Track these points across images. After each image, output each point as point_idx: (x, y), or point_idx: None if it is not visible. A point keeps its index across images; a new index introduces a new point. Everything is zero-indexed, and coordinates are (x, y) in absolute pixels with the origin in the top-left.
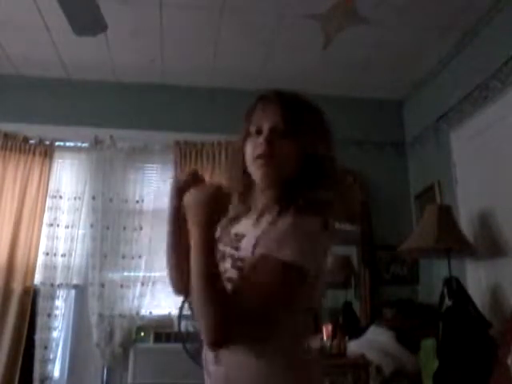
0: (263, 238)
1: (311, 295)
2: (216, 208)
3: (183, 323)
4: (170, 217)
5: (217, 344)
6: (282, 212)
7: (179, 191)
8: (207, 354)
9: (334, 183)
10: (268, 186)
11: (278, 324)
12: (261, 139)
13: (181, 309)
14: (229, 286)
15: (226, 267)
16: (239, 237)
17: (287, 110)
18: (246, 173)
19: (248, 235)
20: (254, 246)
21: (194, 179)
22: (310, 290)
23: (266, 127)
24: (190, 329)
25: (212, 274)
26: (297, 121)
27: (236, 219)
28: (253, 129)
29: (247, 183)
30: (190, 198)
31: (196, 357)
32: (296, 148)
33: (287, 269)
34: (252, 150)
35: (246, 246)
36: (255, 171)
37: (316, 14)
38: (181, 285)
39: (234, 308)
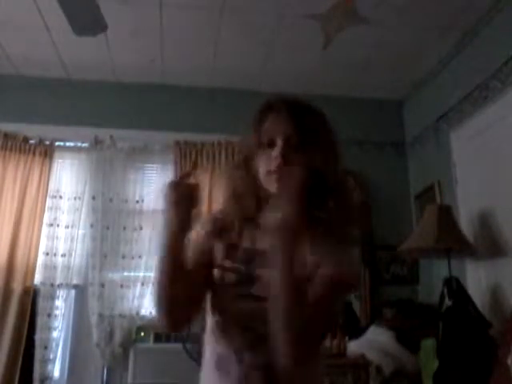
0: (324, 261)
1: None
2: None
3: None
4: (168, 233)
5: (295, 366)
6: (326, 233)
7: (176, 202)
8: (230, 356)
9: (348, 195)
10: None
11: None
12: (275, 153)
13: None
14: None
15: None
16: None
17: (300, 122)
18: (256, 184)
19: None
20: (315, 267)
21: (188, 187)
22: None
23: (279, 140)
24: (191, 329)
25: (301, 302)
26: (310, 132)
27: (247, 233)
28: (264, 140)
29: (258, 194)
30: (281, 221)
31: (196, 357)
32: (310, 160)
33: (350, 291)
34: (265, 163)
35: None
36: (271, 185)
37: (316, 14)
38: (176, 320)
39: (311, 331)
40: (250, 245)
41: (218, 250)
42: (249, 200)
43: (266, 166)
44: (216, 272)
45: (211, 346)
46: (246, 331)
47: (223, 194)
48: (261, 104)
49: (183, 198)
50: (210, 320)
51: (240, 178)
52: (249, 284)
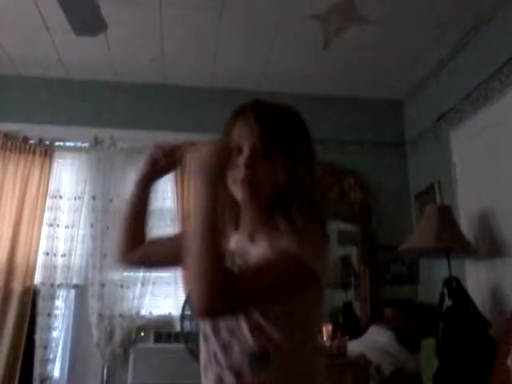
0: (273, 245)
1: (321, 302)
2: (220, 162)
3: (185, 323)
4: (138, 182)
5: (208, 311)
6: (281, 227)
7: (153, 162)
8: (209, 358)
9: (316, 198)
10: (250, 206)
11: (293, 327)
12: (241, 161)
13: (183, 308)
14: None
15: None
16: (241, 253)
17: (267, 130)
18: (227, 188)
19: (252, 252)
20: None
21: (168, 158)
22: (320, 297)
23: (245, 148)
24: (193, 329)
25: (216, 238)
26: (277, 140)
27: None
28: (233, 146)
29: (231, 199)
30: (194, 158)
31: (198, 357)
32: (277, 167)
33: (296, 260)
34: (232, 171)
35: (254, 258)
36: (235, 191)
37: (316, 14)
38: (127, 253)
39: (234, 280)
40: (232, 247)
41: None
42: (225, 204)
43: (232, 173)
44: None
45: (201, 349)
46: (219, 332)
47: None
48: (233, 108)
49: (163, 159)
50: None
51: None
52: None
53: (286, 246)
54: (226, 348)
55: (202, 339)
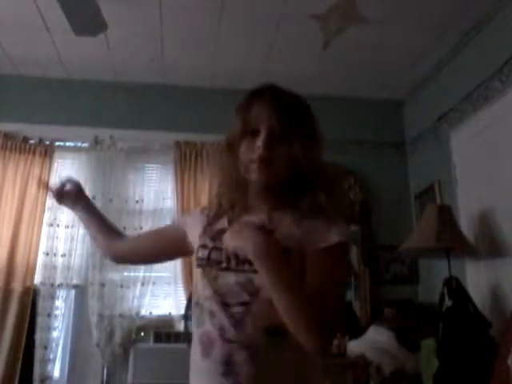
0: (313, 236)
1: None
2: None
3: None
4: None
5: (325, 346)
6: (311, 210)
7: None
8: (215, 336)
9: (332, 186)
10: (265, 186)
11: None
12: (258, 143)
13: (187, 308)
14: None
15: (246, 268)
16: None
17: (285, 112)
18: (239, 170)
19: (279, 232)
20: (302, 241)
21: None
22: None
23: (263, 130)
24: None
25: (298, 287)
26: (294, 123)
27: (230, 221)
28: (248, 128)
29: (241, 180)
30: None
31: None
32: (294, 149)
33: (347, 249)
34: (247, 152)
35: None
36: (250, 174)
37: (316, 14)
38: (114, 249)
39: (329, 305)
40: (225, 225)
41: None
42: (238, 186)
43: (248, 154)
44: (197, 251)
45: (195, 333)
46: (229, 307)
47: (217, 179)
48: (248, 91)
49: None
50: (193, 304)
51: (226, 164)
52: (219, 258)
53: (337, 236)
54: (237, 323)
55: (199, 320)
